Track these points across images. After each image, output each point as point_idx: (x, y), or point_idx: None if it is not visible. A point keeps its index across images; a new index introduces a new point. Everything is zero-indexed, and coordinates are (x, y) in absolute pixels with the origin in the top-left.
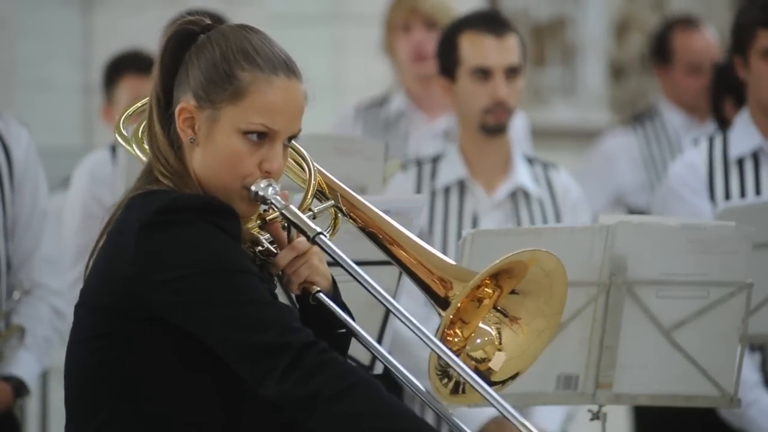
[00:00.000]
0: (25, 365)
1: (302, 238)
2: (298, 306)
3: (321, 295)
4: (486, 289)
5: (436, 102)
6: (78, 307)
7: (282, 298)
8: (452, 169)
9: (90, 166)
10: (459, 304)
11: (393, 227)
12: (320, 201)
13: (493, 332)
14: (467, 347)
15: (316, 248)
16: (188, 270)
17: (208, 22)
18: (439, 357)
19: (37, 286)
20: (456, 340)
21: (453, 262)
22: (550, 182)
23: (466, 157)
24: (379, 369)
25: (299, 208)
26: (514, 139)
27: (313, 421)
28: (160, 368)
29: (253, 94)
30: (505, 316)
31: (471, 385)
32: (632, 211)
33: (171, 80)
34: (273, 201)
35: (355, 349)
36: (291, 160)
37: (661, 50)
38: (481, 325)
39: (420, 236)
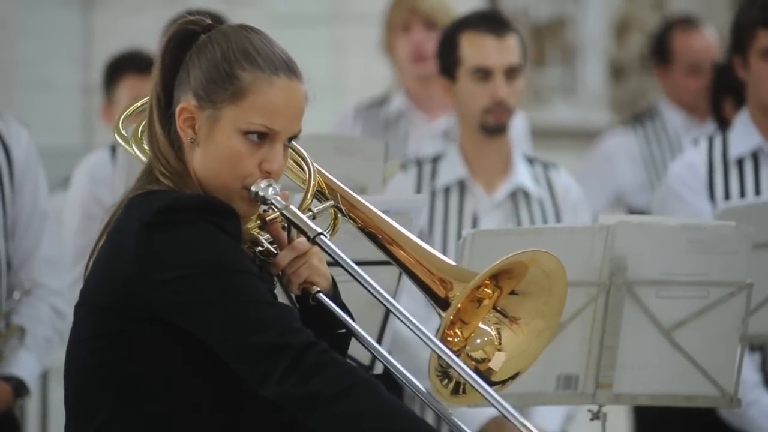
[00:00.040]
0: (25, 365)
1: (302, 239)
2: (297, 306)
3: (321, 295)
4: (486, 290)
5: (436, 102)
6: (78, 307)
7: (282, 298)
8: (452, 169)
9: (90, 166)
10: (459, 305)
11: (392, 227)
12: (320, 201)
13: (493, 332)
14: (467, 347)
15: (316, 248)
16: (188, 270)
17: (209, 22)
18: (439, 358)
19: (37, 286)
20: (456, 340)
21: (453, 263)
22: (551, 182)
23: (466, 157)
24: (379, 369)
25: (299, 209)
26: (514, 139)
27: (314, 422)
28: (160, 368)
29: (253, 94)
30: (505, 316)
31: (471, 386)
32: (632, 211)
33: (171, 80)
34: (273, 201)
35: (355, 349)
36: (291, 161)
37: (661, 50)
38: (480, 325)
39: (420, 236)
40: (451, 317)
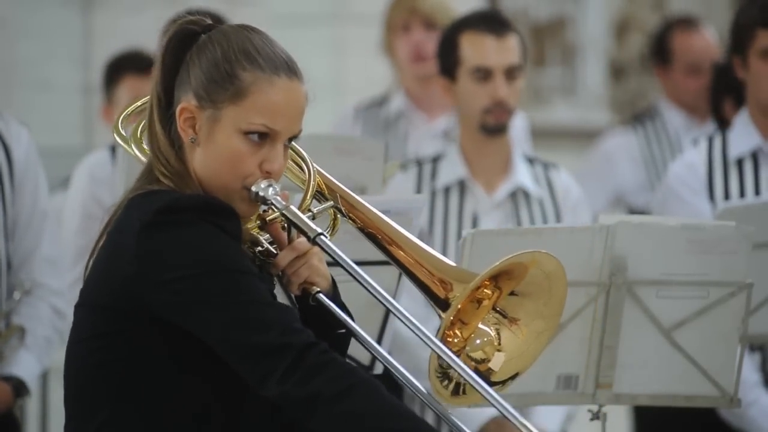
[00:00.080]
0: (25, 365)
1: (302, 239)
2: (297, 306)
3: (321, 295)
4: (485, 290)
5: (436, 102)
6: (78, 307)
7: (281, 298)
8: (452, 169)
9: (90, 166)
10: (459, 306)
11: (392, 228)
12: (319, 202)
13: (493, 333)
14: (467, 348)
15: (315, 249)
16: (189, 270)
17: (209, 22)
18: (439, 359)
19: (37, 286)
20: (456, 340)
21: (453, 263)
22: (551, 182)
23: (466, 157)
24: (379, 369)
25: (298, 209)
26: (513, 139)
27: (314, 422)
28: (160, 368)
29: (254, 94)
30: (504, 317)
31: (471, 386)
32: (632, 211)
33: (172, 80)
34: (273, 201)
35: (355, 349)
36: (290, 161)
37: (660, 50)
38: (480, 325)
39: (420, 236)
40: (451, 318)
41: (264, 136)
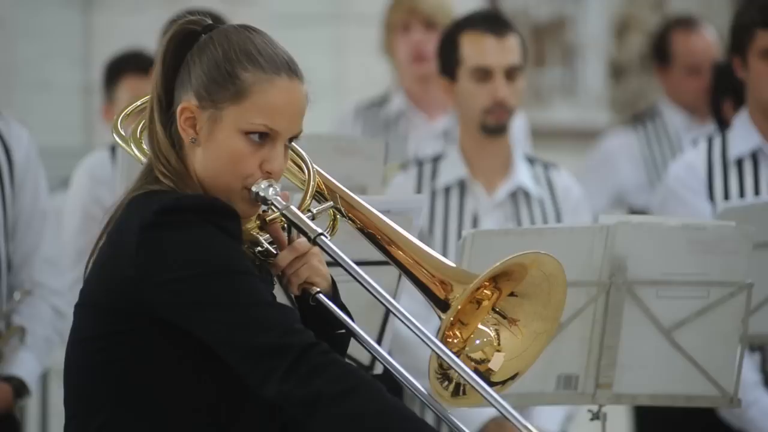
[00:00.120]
0: (25, 365)
1: (302, 239)
2: (297, 307)
3: (321, 295)
4: (485, 291)
5: (436, 102)
6: (78, 307)
7: (281, 298)
8: (453, 169)
9: (90, 166)
10: (459, 307)
11: (392, 228)
12: (319, 202)
13: (492, 333)
14: (466, 348)
15: (315, 249)
16: (189, 271)
17: (209, 22)
18: (439, 359)
19: (37, 286)
20: (455, 341)
21: (453, 264)
22: (551, 182)
23: (466, 157)
24: (379, 369)
25: (298, 209)
26: (514, 139)
27: (315, 422)
28: (160, 368)
29: (255, 94)
30: (504, 317)
31: (471, 386)
32: (632, 211)
33: (172, 80)
34: (274, 201)
35: (355, 349)
36: (290, 161)
37: (660, 51)
38: (480, 326)
39: (420, 236)
40: (451, 319)
41: (264, 136)
